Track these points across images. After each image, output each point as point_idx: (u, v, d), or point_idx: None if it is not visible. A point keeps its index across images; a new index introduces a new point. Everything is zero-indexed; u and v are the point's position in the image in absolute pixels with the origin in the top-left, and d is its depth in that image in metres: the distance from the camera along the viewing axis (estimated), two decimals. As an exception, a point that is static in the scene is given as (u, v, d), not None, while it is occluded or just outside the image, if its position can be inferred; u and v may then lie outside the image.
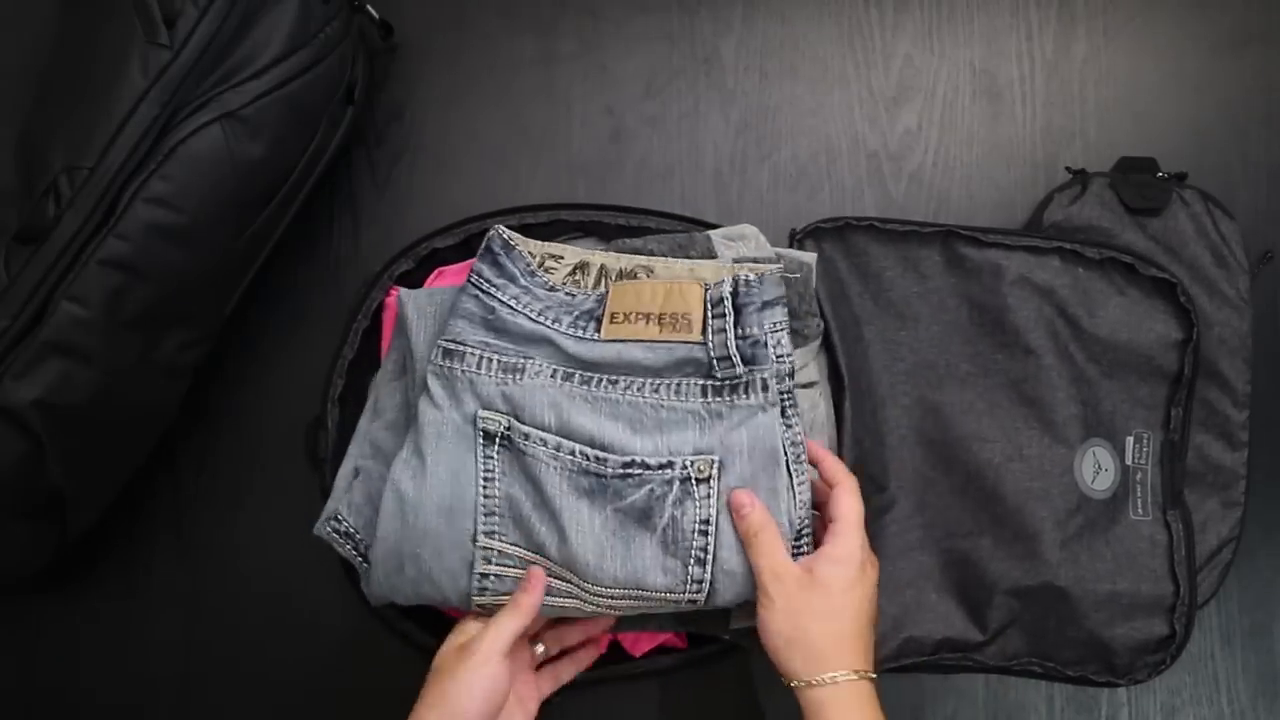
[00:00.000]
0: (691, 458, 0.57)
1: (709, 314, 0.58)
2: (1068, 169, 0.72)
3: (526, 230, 0.64)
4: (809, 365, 0.64)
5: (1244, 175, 0.71)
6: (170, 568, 0.72)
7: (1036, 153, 0.74)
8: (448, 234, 0.66)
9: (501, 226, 0.61)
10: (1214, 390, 0.68)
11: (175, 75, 0.57)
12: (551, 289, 0.60)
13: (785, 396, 0.58)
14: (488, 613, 0.57)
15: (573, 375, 0.58)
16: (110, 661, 0.71)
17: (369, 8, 0.69)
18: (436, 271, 0.66)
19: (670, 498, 0.56)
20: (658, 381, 0.58)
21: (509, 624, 0.55)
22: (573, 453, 0.57)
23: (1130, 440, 0.67)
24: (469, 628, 0.58)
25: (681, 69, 0.76)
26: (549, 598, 0.57)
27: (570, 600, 0.58)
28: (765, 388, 0.57)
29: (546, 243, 0.62)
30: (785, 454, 0.58)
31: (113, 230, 0.56)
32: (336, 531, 0.60)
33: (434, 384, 0.58)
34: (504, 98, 0.75)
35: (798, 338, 0.62)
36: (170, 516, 0.72)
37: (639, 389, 0.57)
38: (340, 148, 0.68)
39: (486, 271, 0.60)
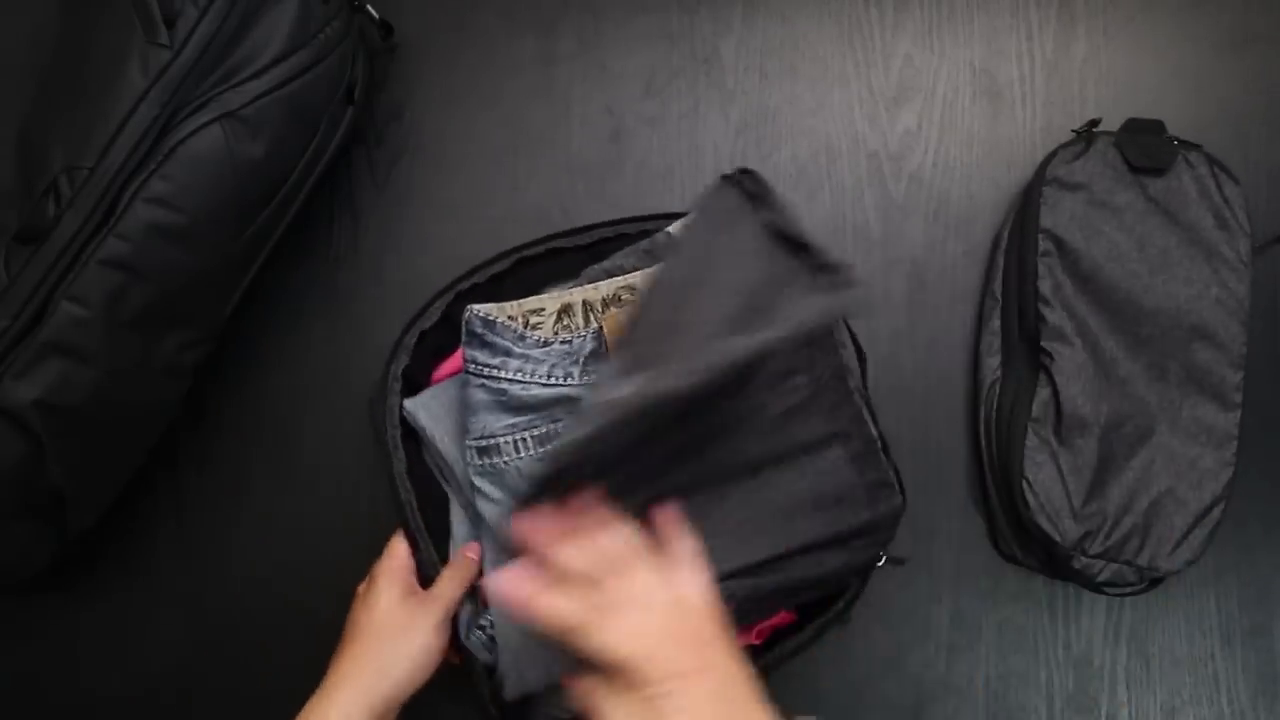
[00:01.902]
0: None
1: None
2: (1073, 130, 0.72)
3: (499, 284, 0.64)
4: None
5: (1244, 175, 0.71)
6: (170, 568, 0.72)
7: (1036, 153, 0.74)
8: (426, 316, 0.65)
9: (475, 306, 0.60)
10: (1210, 350, 0.68)
11: (175, 75, 0.57)
12: (545, 344, 0.60)
13: None
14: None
15: None
16: (110, 661, 0.71)
17: (369, 8, 0.69)
18: (435, 366, 0.66)
19: None
20: None
21: (456, 593, 0.58)
22: None
23: None
24: (395, 567, 0.59)
25: (681, 69, 0.76)
26: None
27: None
28: None
29: (522, 300, 0.61)
30: None
31: (113, 230, 0.56)
32: (493, 638, 0.59)
33: (482, 483, 0.59)
34: (504, 97, 0.75)
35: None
36: (170, 516, 0.72)
37: None
38: (340, 148, 0.68)
39: (480, 356, 0.59)
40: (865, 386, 0.65)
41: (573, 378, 0.59)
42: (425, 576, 0.62)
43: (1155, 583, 0.68)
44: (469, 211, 0.74)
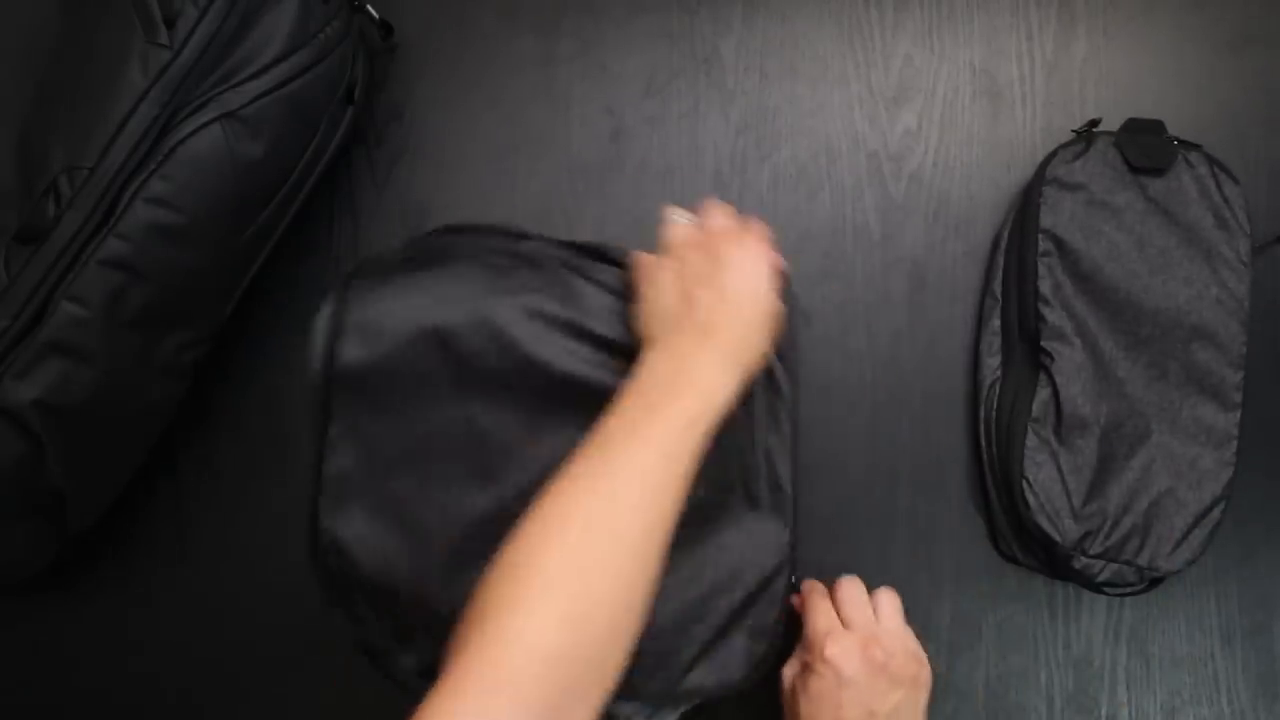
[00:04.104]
0: None
1: None
2: (1073, 130, 0.72)
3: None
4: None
5: (1244, 175, 0.71)
6: (170, 568, 0.72)
7: (1036, 153, 0.74)
8: None
9: None
10: (1210, 350, 0.68)
11: (175, 75, 0.57)
12: None
13: None
14: None
15: None
16: (110, 661, 0.71)
17: (369, 8, 0.69)
18: None
19: None
20: None
21: None
22: None
23: None
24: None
25: (681, 69, 0.76)
26: None
27: None
28: None
29: None
30: None
31: (113, 230, 0.56)
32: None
33: None
34: (504, 97, 0.75)
35: None
36: (170, 517, 0.72)
37: None
38: (340, 148, 0.68)
39: None
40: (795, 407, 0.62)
41: None
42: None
43: (1155, 583, 0.68)
44: (469, 211, 0.74)
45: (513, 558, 0.46)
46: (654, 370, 0.53)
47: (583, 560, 0.45)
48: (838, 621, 0.61)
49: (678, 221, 0.60)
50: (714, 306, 0.54)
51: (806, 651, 0.61)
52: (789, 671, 0.62)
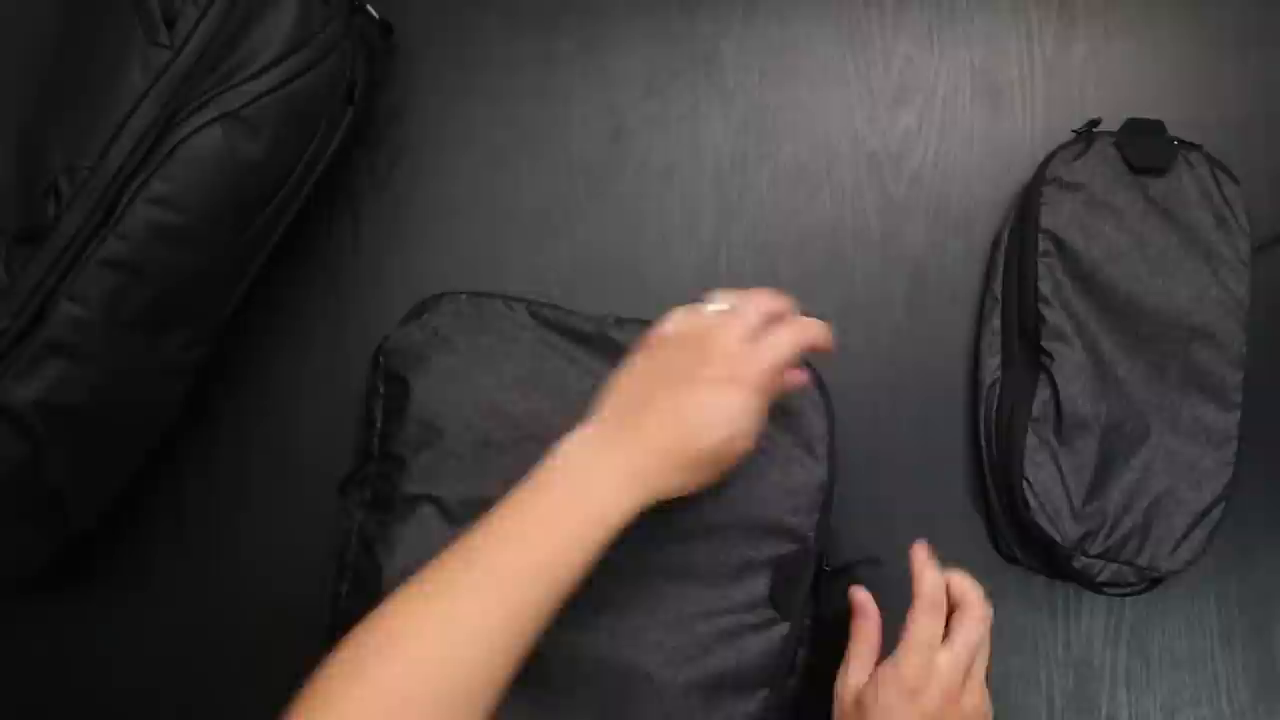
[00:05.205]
0: None
1: None
2: (1073, 130, 0.72)
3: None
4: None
5: (1244, 175, 0.72)
6: (171, 568, 0.72)
7: (1036, 153, 0.74)
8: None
9: None
10: (1209, 350, 0.68)
11: (175, 75, 0.57)
12: None
13: None
14: None
15: None
16: (109, 661, 0.71)
17: (369, 8, 0.69)
18: None
19: None
20: None
21: None
22: None
23: None
24: None
25: (681, 69, 0.76)
26: None
27: None
28: None
29: None
30: None
31: (113, 230, 0.56)
32: None
33: None
34: (503, 97, 0.75)
35: None
36: (171, 516, 0.72)
37: None
38: (340, 148, 0.68)
39: None
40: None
41: None
42: None
43: (1155, 583, 0.68)
44: (469, 211, 0.74)
45: (337, 668, 0.49)
46: (565, 463, 0.50)
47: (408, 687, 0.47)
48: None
49: (709, 308, 0.54)
50: (663, 420, 0.50)
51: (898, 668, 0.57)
52: (853, 681, 0.58)
